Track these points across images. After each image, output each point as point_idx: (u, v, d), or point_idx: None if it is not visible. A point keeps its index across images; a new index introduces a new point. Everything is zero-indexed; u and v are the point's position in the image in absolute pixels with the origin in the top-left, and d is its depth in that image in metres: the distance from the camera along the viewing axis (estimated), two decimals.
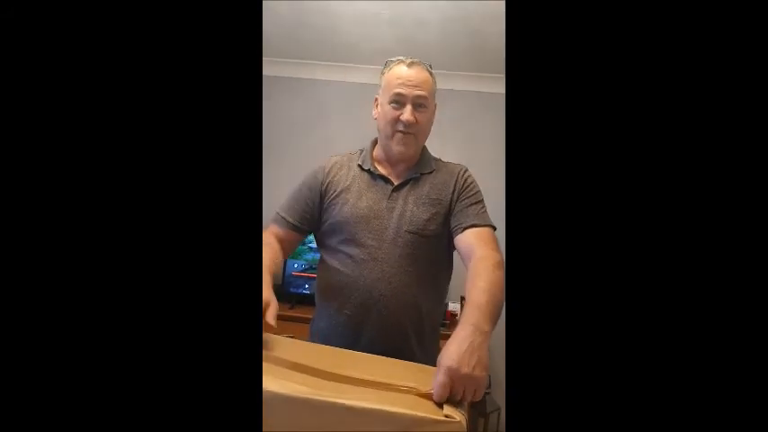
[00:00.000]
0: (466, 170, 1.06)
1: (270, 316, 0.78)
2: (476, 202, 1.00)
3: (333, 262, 1.01)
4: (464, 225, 0.97)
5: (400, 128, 1.00)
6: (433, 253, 0.99)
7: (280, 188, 1.08)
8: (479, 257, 0.88)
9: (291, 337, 0.82)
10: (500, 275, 0.82)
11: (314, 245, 1.11)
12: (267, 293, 0.80)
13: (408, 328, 0.96)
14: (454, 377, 0.62)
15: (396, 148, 1.02)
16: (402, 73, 1.00)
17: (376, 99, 1.06)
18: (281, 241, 1.03)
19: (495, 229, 0.99)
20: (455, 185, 1.02)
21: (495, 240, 0.95)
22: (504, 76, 2.53)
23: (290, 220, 1.05)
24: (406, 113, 0.99)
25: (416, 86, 0.99)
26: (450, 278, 1.07)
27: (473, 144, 2.59)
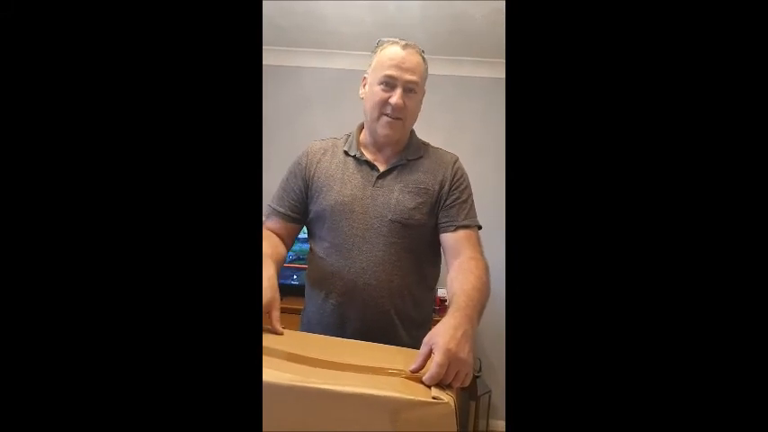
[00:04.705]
0: (457, 160, 1.04)
1: (275, 319, 0.79)
2: (466, 199, 1.00)
3: (319, 251, 1.00)
4: (455, 224, 0.96)
5: (388, 111, 0.96)
6: (418, 241, 0.98)
7: (266, 177, 1.07)
8: (469, 257, 0.90)
9: (283, 328, 0.81)
10: (488, 280, 0.86)
11: (301, 236, 1.10)
12: (269, 294, 0.80)
13: (395, 317, 0.96)
14: (452, 359, 0.63)
15: (381, 131, 0.99)
16: (396, 54, 0.96)
17: (364, 78, 1.03)
18: (279, 234, 1.02)
19: (480, 228, 1.00)
20: (445, 176, 1.00)
21: (481, 242, 0.97)
22: (486, 60, 2.52)
23: (283, 211, 1.03)
24: (396, 96, 0.95)
25: (409, 70, 0.96)
26: (438, 265, 1.06)
27: (456, 129, 2.58)
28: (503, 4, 1.82)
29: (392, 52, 0.97)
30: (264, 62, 2.66)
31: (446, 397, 0.57)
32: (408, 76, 0.96)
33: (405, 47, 0.98)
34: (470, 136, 2.57)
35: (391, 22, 2.19)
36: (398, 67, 0.95)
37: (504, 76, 2.31)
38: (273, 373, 0.57)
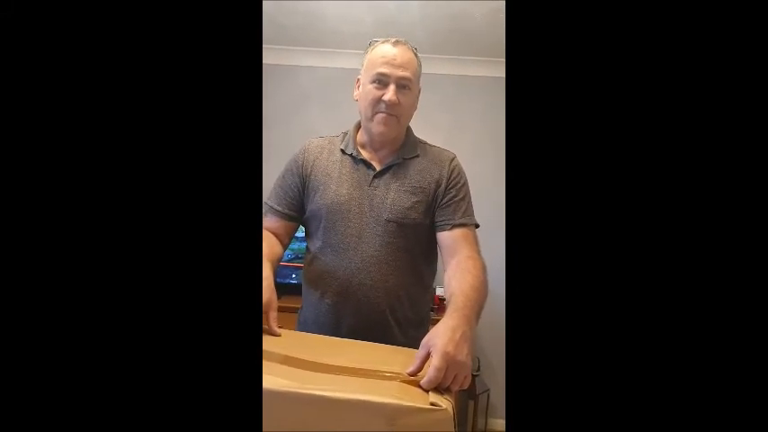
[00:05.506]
0: (453, 158, 1.03)
1: (272, 320, 0.79)
2: (463, 197, 0.99)
3: (315, 250, 1.00)
4: (451, 222, 0.96)
5: (382, 108, 0.96)
6: (414, 241, 0.97)
7: (264, 176, 1.07)
8: (467, 256, 0.90)
9: (280, 328, 0.81)
10: (486, 279, 0.85)
11: (299, 234, 1.10)
12: (266, 295, 0.80)
13: (390, 317, 0.95)
14: (450, 362, 0.62)
15: (376, 128, 0.98)
16: (386, 52, 0.96)
17: (358, 80, 1.03)
18: (276, 233, 1.02)
19: (477, 226, 0.99)
20: (441, 175, 0.99)
21: (478, 241, 0.97)
22: (486, 59, 2.52)
23: (280, 209, 1.03)
24: (389, 93, 0.94)
25: (401, 66, 0.95)
26: (435, 264, 1.06)
27: (456, 128, 2.58)
28: (502, 4, 1.82)
29: (383, 50, 0.97)
30: (264, 60, 2.66)
31: (444, 402, 0.56)
32: (401, 73, 0.95)
33: (395, 44, 0.97)
34: (470, 135, 2.57)
35: (391, 22, 2.19)
36: (390, 64, 0.95)
37: (503, 75, 2.31)
38: (270, 378, 0.56)
